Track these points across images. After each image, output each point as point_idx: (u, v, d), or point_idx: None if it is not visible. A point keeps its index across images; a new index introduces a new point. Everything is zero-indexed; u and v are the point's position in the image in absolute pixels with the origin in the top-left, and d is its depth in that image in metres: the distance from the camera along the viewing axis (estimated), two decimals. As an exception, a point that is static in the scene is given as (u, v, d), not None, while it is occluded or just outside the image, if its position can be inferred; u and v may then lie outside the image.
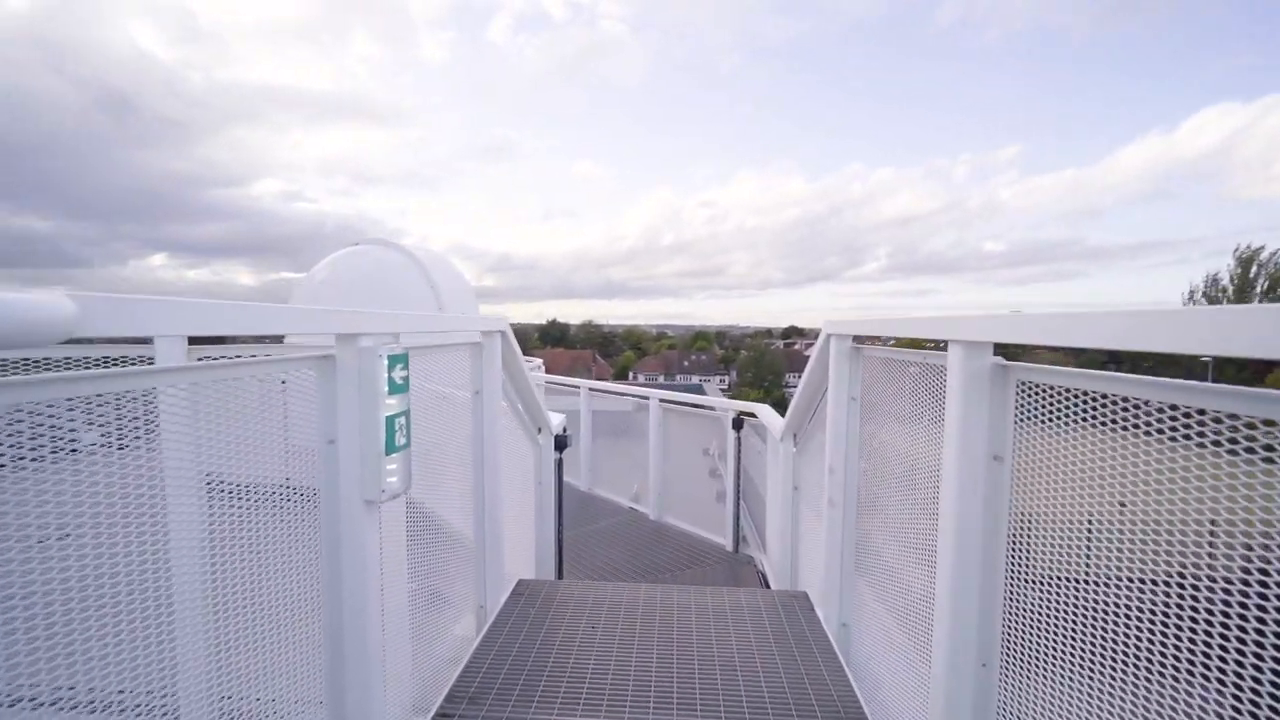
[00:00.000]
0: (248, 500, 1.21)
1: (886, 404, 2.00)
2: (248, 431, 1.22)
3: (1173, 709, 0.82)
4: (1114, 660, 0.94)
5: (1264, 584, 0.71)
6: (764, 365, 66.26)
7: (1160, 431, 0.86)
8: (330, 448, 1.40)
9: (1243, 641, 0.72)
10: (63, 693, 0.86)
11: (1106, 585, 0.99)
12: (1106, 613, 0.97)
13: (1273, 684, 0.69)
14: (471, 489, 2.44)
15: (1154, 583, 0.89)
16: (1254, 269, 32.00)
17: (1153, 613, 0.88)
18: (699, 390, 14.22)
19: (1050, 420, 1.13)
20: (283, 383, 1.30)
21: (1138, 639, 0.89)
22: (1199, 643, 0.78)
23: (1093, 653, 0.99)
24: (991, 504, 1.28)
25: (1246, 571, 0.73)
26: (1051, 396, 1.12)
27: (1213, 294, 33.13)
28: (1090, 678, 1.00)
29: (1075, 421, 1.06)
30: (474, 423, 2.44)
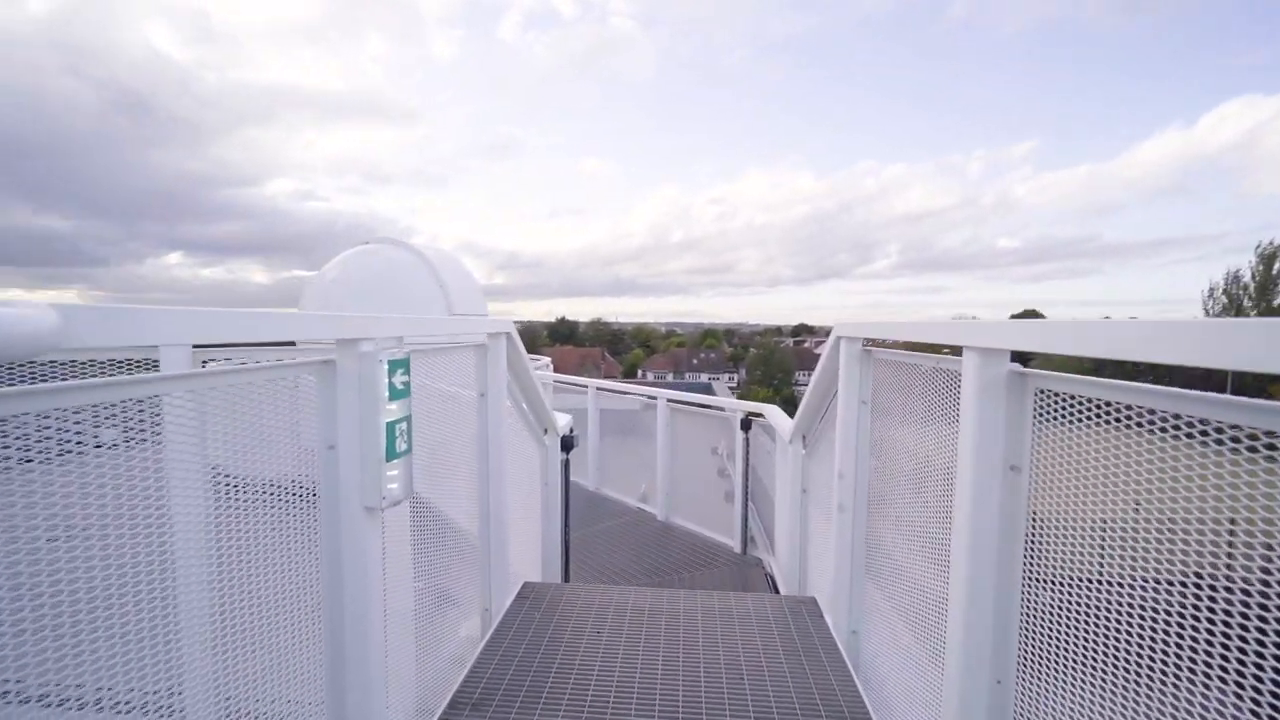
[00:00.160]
0: (251, 504, 1.20)
1: (898, 408, 1.95)
2: (253, 435, 1.22)
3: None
4: (1138, 679, 0.90)
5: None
6: (773, 363, 65.96)
7: (1190, 443, 0.82)
8: (331, 453, 1.38)
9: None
10: (70, 691, 0.86)
11: (1131, 605, 0.95)
12: (1131, 632, 0.92)
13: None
14: (477, 491, 2.43)
15: (1181, 600, 0.85)
16: (1276, 266, 31.32)
17: (1180, 632, 0.83)
18: (708, 388, 14.18)
19: (1070, 430, 1.09)
20: (294, 388, 1.29)
21: (1164, 658, 0.85)
22: (1231, 660, 0.74)
23: (1115, 672, 0.95)
24: (1008, 516, 1.24)
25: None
26: (1071, 406, 1.08)
27: (1233, 291, 32.49)
28: (1114, 697, 0.96)
29: (1097, 432, 1.02)
30: (479, 425, 2.42)
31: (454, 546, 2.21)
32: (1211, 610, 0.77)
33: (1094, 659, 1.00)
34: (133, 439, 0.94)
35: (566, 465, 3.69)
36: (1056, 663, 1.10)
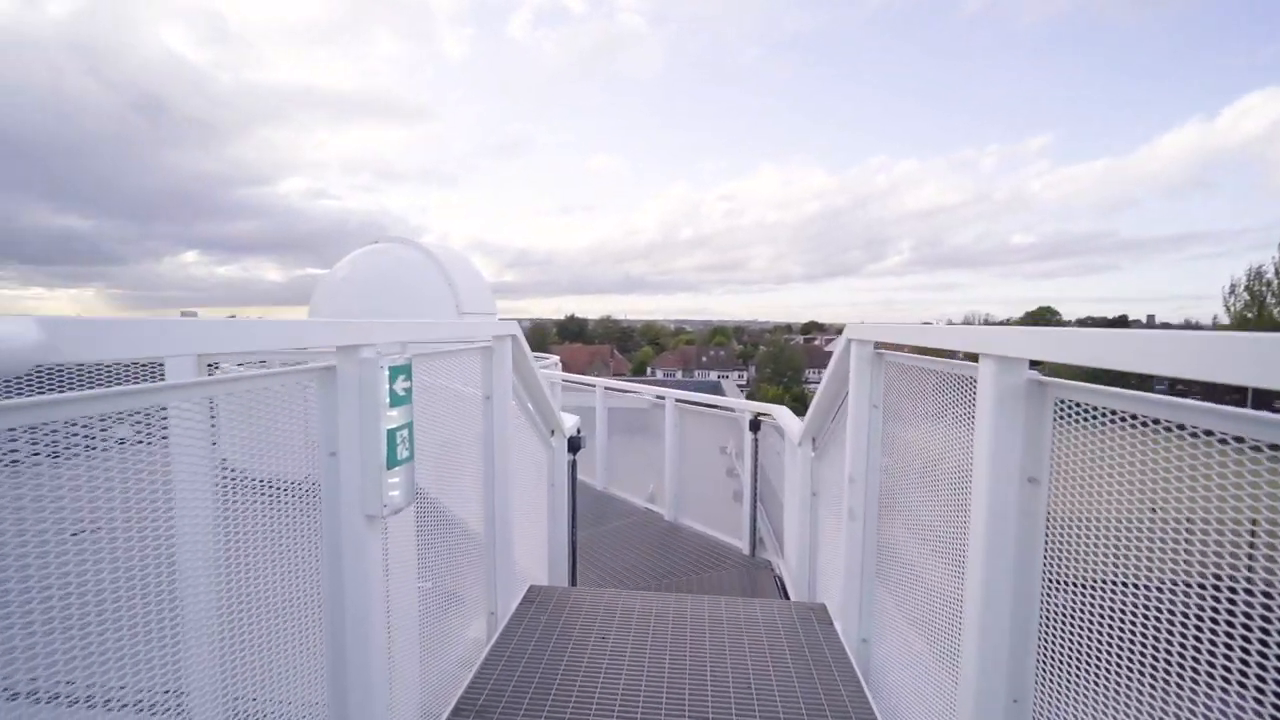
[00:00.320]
0: (255, 509, 1.19)
1: (911, 413, 1.91)
2: (257, 440, 1.21)
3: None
4: (1165, 700, 0.86)
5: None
6: (783, 361, 65.62)
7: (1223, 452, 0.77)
8: (332, 460, 1.37)
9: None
10: (79, 689, 0.86)
11: (1158, 623, 0.90)
12: (1157, 651, 0.88)
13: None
14: (482, 494, 2.41)
15: (1212, 621, 0.80)
16: (1301, 261, 30.60)
17: (1211, 658, 0.79)
18: (716, 387, 14.11)
19: (1092, 442, 1.04)
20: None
21: (1192, 677, 0.81)
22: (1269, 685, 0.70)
23: (1140, 693, 0.91)
24: (1026, 529, 1.20)
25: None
26: (1094, 417, 1.03)
27: (1256, 288, 31.78)
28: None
29: (1120, 444, 0.97)
30: (484, 427, 2.41)
31: (459, 549, 2.20)
32: (1245, 649, 0.72)
33: (1118, 678, 0.95)
34: (146, 436, 0.96)
35: (573, 466, 3.67)
36: (1077, 682, 1.06)
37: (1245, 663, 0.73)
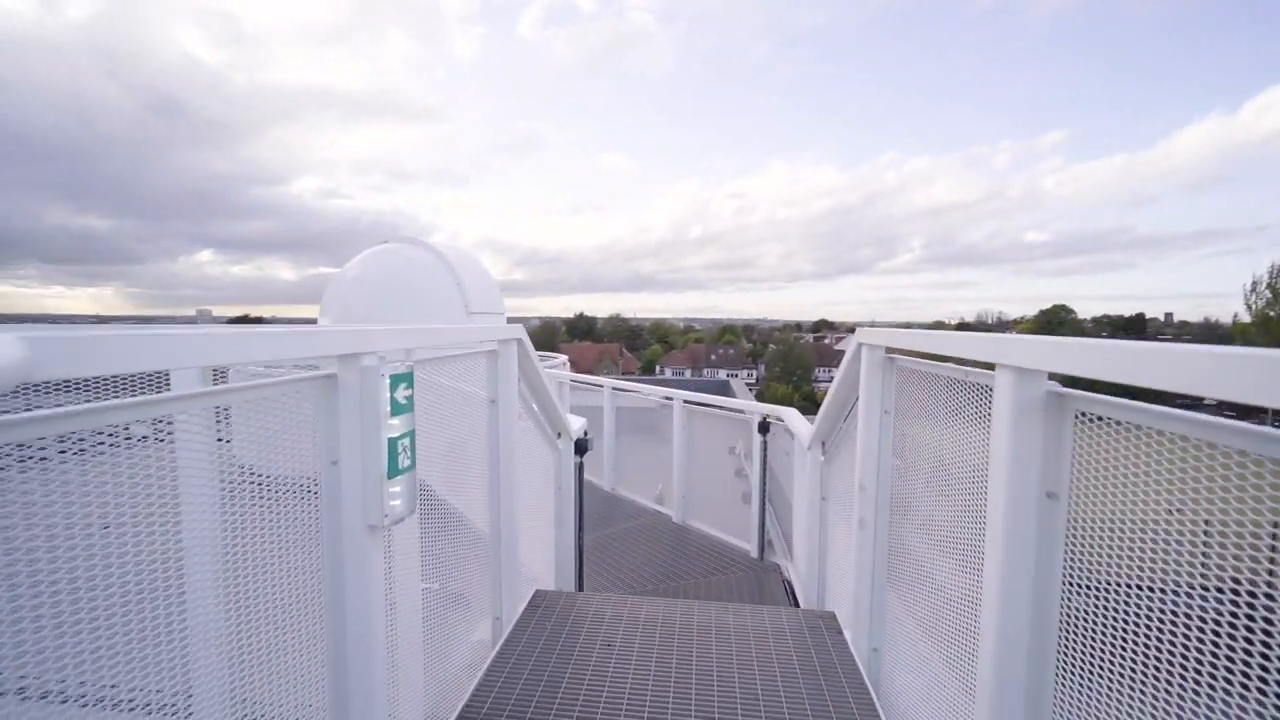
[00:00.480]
0: (260, 517, 1.18)
1: (923, 421, 1.86)
2: (261, 446, 1.21)
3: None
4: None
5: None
6: (793, 359, 65.19)
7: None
8: (333, 468, 1.35)
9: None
10: (89, 689, 0.87)
11: (1185, 647, 0.86)
12: (1185, 677, 0.84)
13: None
14: (487, 498, 2.40)
15: (1243, 644, 0.76)
16: (1326, 259, 29.84)
17: (1244, 689, 0.75)
18: (725, 386, 14.05)
19: (1115, 457, 1.00)
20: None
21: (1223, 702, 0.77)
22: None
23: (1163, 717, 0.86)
24: (1045, 545, 1.15)
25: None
26: (1118, 432, 0.99)
27: (1278, 285, 31.10)
28: None
29: (1146, 463, 0.93)
30: (489, 432, 2.39)
31: (464, 554, 2.18)
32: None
33: (1144, 703, 0.91)
34: (163, 434, 0.99)
35: (580, 469, 3.65)
36: (1099, 706, 1.02)
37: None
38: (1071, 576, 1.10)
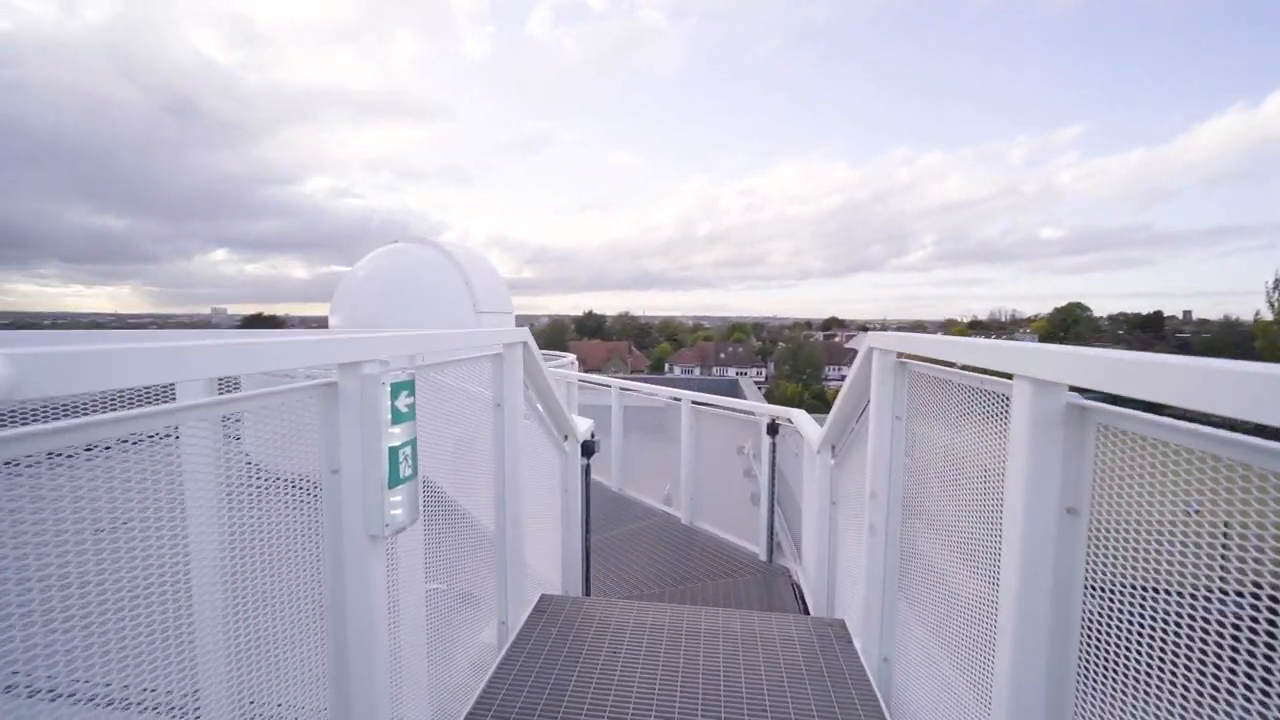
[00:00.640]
0: (263, 518, 1.18)
1: (937, 427, 1.81)
2: (265, 454, 1.20)
3: None
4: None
5: None
6: (802, 357, 64.80)
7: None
8: (334, 477, 1.34)
9: None
10: (98, 688, 0.87)
11: (1218, 686, 0.81)
12: (1215, 701, 0.79)
13: None
14: (493, 502, 2.38)
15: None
16: (1351, 255, 29.15)
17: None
18: (734, 384, 13.98)
19: (1140, 474, 0.95)
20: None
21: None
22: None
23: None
24: (1064, 563, 1.11)
25: None
26: (1143, 447, 0.94)
27: (1302, 283, 30.39)
28: None
29: (1174, 482, 0.88)
30: (495, 436, 2.37)
31: (469, 559, 2.17)
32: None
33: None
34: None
35: (587, 470, 3.62)
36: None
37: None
38: (1093, 597, 1.06)
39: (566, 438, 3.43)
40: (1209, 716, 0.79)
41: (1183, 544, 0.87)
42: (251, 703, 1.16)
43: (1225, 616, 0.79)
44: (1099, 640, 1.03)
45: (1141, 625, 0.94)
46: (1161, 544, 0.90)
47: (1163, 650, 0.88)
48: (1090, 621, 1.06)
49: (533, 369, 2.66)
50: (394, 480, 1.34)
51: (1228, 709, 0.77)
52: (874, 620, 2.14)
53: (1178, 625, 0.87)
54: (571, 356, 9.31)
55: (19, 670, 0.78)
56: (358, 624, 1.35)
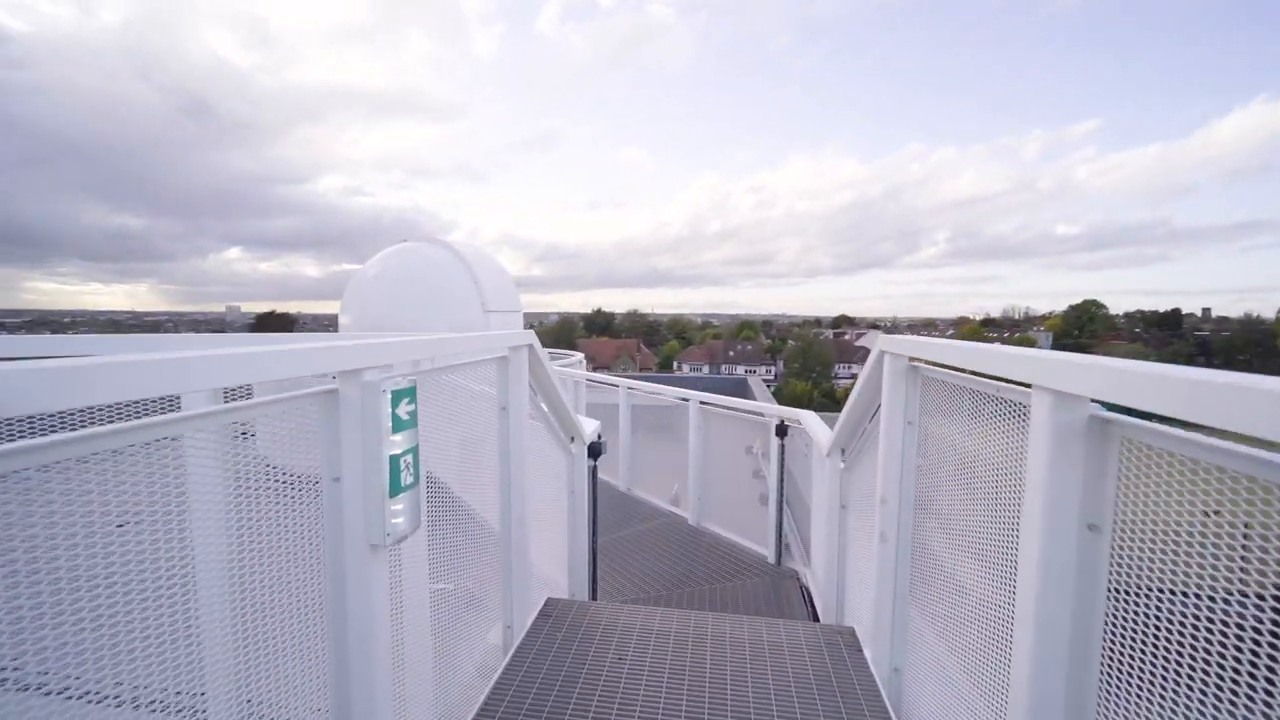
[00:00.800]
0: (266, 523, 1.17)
1: (950, 434, 1.77)
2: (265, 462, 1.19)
3: None
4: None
5: None
6: (812, 355, 64.35)
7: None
8: (335, 485, 1.32)
9: None
10: (108, 686, 0.87)
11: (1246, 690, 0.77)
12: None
13: None
14: (499, 507, 2.36)
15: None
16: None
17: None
18: (742, 383, 13.91)
19: (1167, 491, 0.91)
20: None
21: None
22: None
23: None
24: (1085, 581, 1.07)
25: None
26: (1170, 463, 0.90)
27: (1325, 280, 29.65)
28: None
29: (1203, 501, 0.84)
30: (500, 439, 2.35)
31: (474, 563, 2.16)
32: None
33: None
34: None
35: (594, 472, 3.60)
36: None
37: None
38: (1116, 617, 1.01)
39: (573, 439, 3.41)
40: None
41: (1213, 568, 0.83)
42: (248, 701, 1.16)
43: (1260, 647, 0.74)
44: (1122, 663, 0.99)
45: (1168, 653, 0.90)
46: (1190, 567, 0.85)
47: (1190, 678, 0.84)
48: (1113, 643, 1.01)
49: (538, 371, 2.64)
50: (395, 489, 1.32)
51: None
52: (884, 629, 2.10)
53: (1207, 654, 0.82)
54: (580, 355, 9.30)
55: (48, 670, 0.79)
56: (359, 632, 1.34)
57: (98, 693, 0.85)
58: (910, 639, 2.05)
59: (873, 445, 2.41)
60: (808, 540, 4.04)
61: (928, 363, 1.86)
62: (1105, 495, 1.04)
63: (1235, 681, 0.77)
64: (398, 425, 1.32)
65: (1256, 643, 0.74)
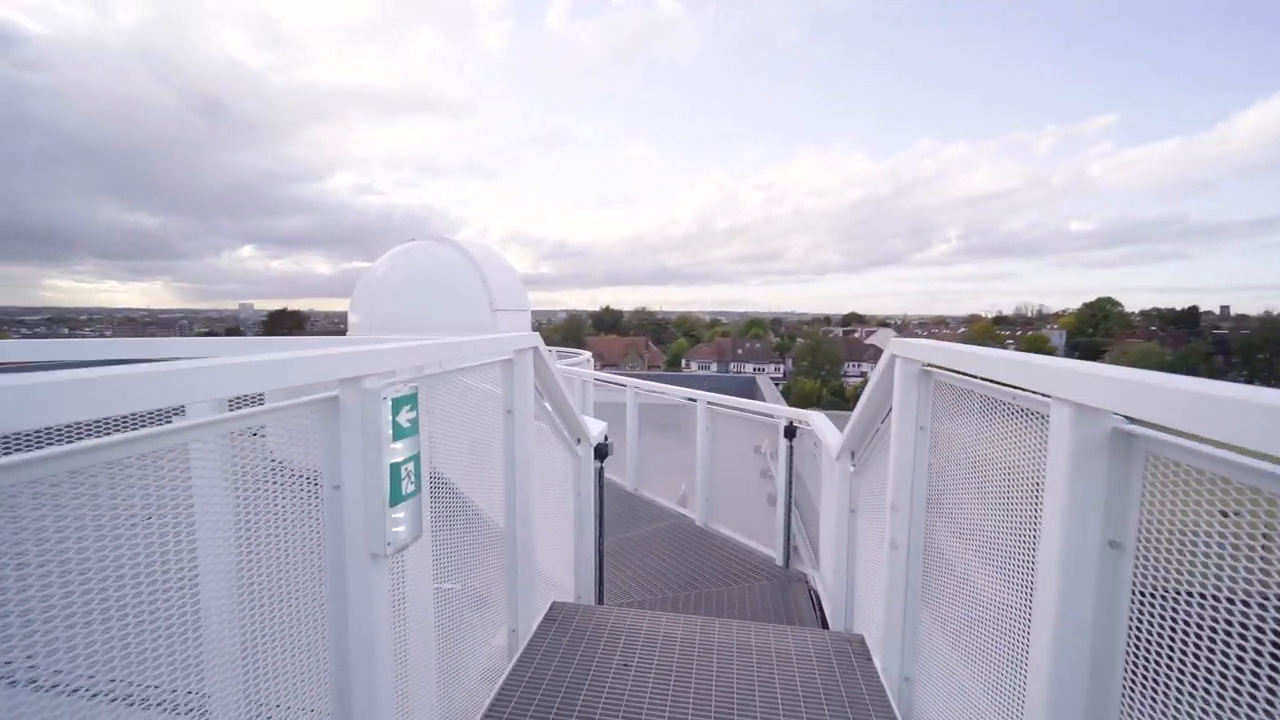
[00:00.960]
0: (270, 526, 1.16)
1: (963, 440, 1.72)
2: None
3: None
4: None
5: None
6: (821, 354, 63.94)
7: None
8: (336, 493, 1.31)
9: None
10: (118, 686, 0.88)
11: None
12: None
13: None
14: (504, 511, 2.35)
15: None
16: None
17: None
18: (751, 383, 13.85)
19: (1194, 511, 0.87)
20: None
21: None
22: None
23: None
24: (1106, 602, 1.02)
25: None
26: (1199, 483, 0.85)
27: (1349, 277, 29.01)
28: None
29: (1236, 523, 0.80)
30: (505, 442, 2.34)
31: (480, 566, 2.14)
32: None
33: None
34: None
35: (600, 474, 3.58)
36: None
37: None
38: (1139, 638, 0.97)
39: (579, 441, 3.39)
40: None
41: (1246, 592, 0.79)
42: (250, 700, 1.15)
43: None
44: (1145, 685, 0.94)
45: (1195, 675, 0.86)
46: (1221, 591, 0.81)
47: (1220, 706, 0.80)
48: (1135, 662, 0.97)
49: (544, 374, 2.62)
50: (396, 498, 1.31)
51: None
52: (894, 638, 2.06)
53: (1238, 682, 0.78)
54: (588, 354, 9.29)
55: (61, 669, 0.80)
56: (360, 639, 1.32)
57: (109, 693, 0.86)
58: (921, 648, 2.01)
59: (883, 449, 2.37)
60: (816, 542, 4.00)
61: (941, 368, 1.81)
62: (1128, 512, 0.99)
63: (1270, 711, 0.73)
64: (398, 433, 1.31)
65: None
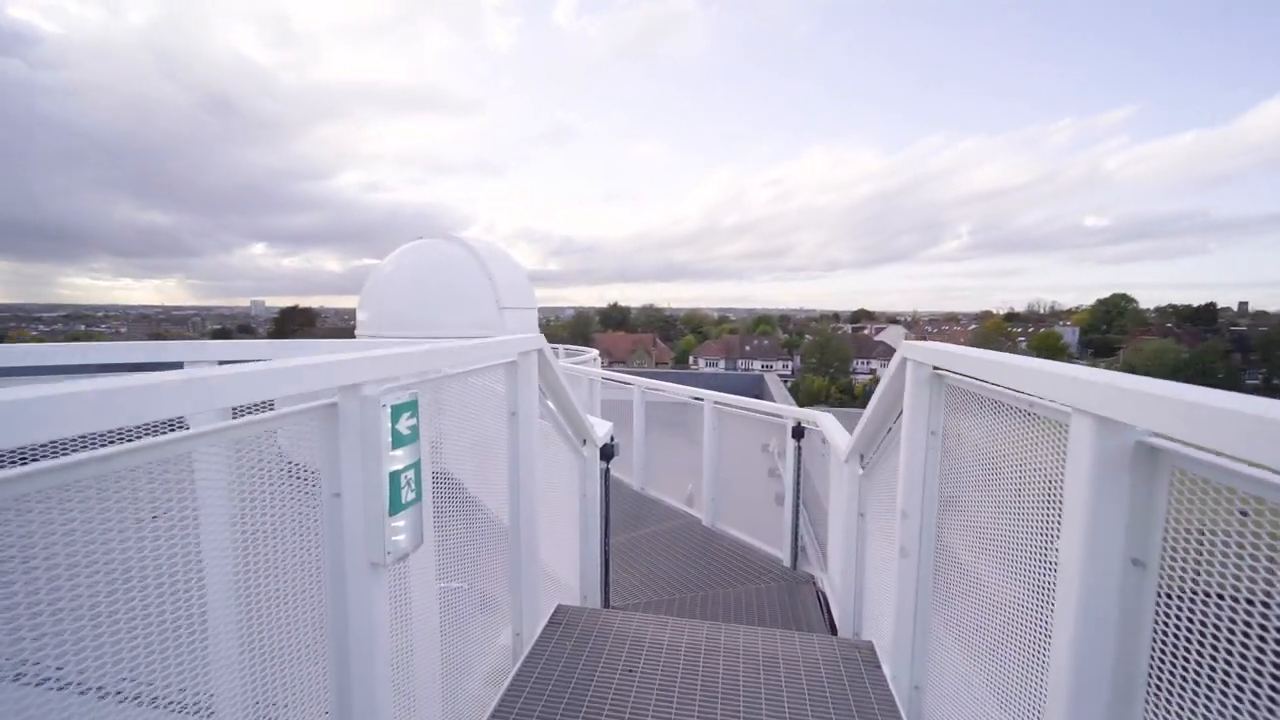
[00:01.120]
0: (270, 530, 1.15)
1: (976, 446, 1.68)
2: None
3: None
4: None
5: None
6: (829, 351, 63.53)
7: None
8: (335, 501, 1.29)
9: None
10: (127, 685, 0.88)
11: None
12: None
13: None
14: (508, 513, 2.33)
15: None
16: None
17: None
18: (759, 381, 13.77)
19: (1221, 530, 0.82)
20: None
21: None
22: None
23: None
24: (1129, 621, 0.98)
25: None
26: (1230, 501, 0.81)
27: (1373, 273, 28.37)
28: None
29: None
30: (509, 445, 2.32)
31: (483, 569, 2.13)
32: None
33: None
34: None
35: (606, 475, 3.56)
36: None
37: None
38: (1163, 657, 0.93)
39: (585, 442, 3.37)
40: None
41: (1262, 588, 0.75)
42: (257, 703, 1.14)
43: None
44: (1168, 706, 0.91)
45: (1224, 699, 0.82)
46: (1252, 620, 0.77)
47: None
48: (1159, 686, 0.93)
49: (548, 375, 2.60)
50: (395, 506, 1.29)
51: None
52: (904, 646, 2.02)
53: (1271, 711, 0.74)
54: (595, 352, 9.27)
55: (66, 668, 0.80)
56: (360, 649, 1.31)
57: (117, 691, 0.86)
58: (931, 656, 1.97)
59: (893, 453, 2.33)
60: (824, 543, 3.96)
61: (954, 372, 1.77)
62: (1152, 529, 0.95)
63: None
64: (398, 440, 1.29)
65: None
